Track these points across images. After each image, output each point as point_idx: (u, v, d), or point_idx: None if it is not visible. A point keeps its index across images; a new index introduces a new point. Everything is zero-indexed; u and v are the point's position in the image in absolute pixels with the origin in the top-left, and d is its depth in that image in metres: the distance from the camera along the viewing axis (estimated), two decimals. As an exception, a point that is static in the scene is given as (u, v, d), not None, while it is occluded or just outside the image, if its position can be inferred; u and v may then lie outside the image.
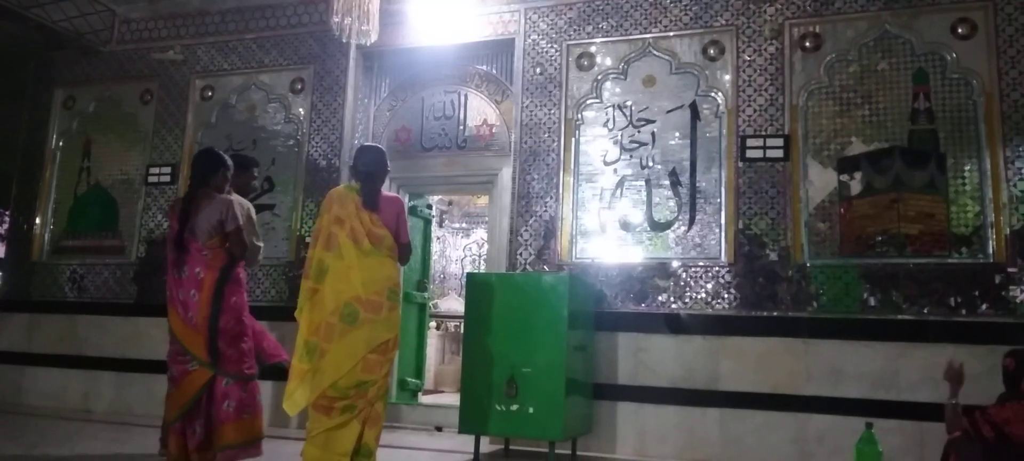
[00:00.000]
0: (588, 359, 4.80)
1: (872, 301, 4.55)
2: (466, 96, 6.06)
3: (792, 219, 4.78)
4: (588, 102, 5.37)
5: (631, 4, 5.37)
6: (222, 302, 3.64)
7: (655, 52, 5.27)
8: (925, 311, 4.44)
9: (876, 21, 4.83)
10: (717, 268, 4.88)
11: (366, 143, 5.21)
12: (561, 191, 5.30)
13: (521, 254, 5.33)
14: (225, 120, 6.32)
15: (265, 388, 4.20)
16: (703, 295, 4.88)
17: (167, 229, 4.58)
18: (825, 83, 4.87)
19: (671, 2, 5.28)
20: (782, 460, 4.56)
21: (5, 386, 6.37)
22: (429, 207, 6.87)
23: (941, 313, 4.41)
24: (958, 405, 3.32)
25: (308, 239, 5.64)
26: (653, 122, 5.20)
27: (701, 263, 4.93)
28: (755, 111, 4.98)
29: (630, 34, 5.34)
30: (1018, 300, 4.31)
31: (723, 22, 5.15)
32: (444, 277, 10.83)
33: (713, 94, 5.10)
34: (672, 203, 5.07)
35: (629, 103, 5.28)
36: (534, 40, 5.57)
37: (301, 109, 6.11)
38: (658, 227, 5.07)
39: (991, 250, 4.41)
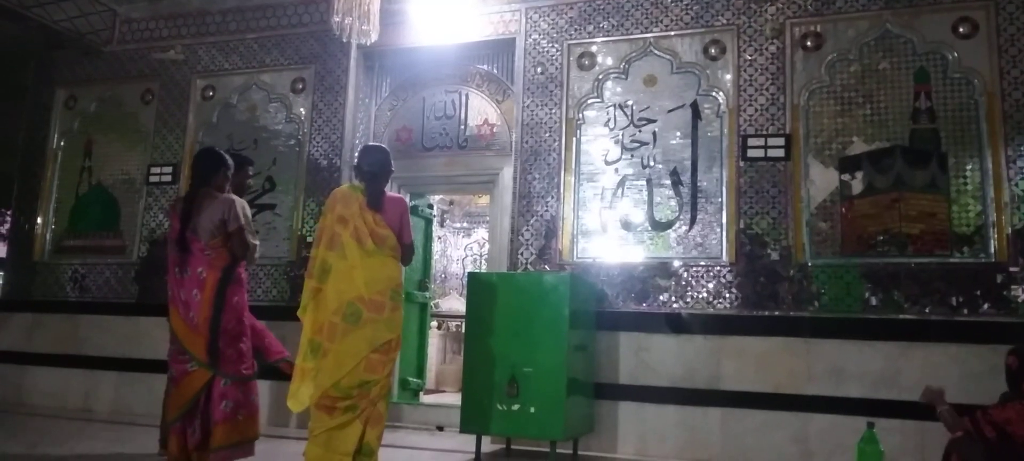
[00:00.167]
0: (589, 359, 4.80)
1: (874, 301, 4.55)
2: (467, 96, 6.06)
3: (793, 218, 4.78)
4: (589, 102, 5.37)
5: (632, 4, 5.37)
6: (224, 302, 3.65)
7: (656, 52, 5.27)
8: (927, 311, 4.44)
9: (877, 20, 4.83)
10: (718, 267, 4.88)
11: (370, 143, 5.21)
12: (562, 191, 5.30)
13: (522, 254, 5.33)
14: (226, 120, 6.32)
15: (264, 388, 4.21)
16: (704, 295, 4.88)
17: (168, 229, 4.58)
18: (826, 82, 4.87)
19: (672, 2, 5.28)
20: (783, 460, 4.55)
21: (6, 386, 6.37)
22: (430, 207, 6.87)
23: (943, 313, 4.41)
24: (951, 410, 3.30)
25: (309, 239, 5.65)
26: (654, 121, 5.19)
27: (702, 263, 4.92)
28: (756, 110, 4.98)
29: (631, 34, 5.34)
30: (1020, 299, 4.31)
31: (724, 22, 5.15)
32: (445, 277, 10.82)
33: (714, 93, 5.09)
34: (673, 203, 5.07)
35: (630, 102, 5.28)
36: (535, 40, 5.57)
37: (302, 109, 6.11)
38: (659, 227, 5.07)
39: (993, 249, 4.40)
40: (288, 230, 5.95)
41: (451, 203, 10.76)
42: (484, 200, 9.53)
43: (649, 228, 5.09)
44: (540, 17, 5.59)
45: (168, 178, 6.36)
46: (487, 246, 8.71)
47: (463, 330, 5.13)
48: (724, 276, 4.86)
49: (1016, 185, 4.42)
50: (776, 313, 4.71)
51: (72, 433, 4.99)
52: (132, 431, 5.11)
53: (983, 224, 4.45)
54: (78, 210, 6.63)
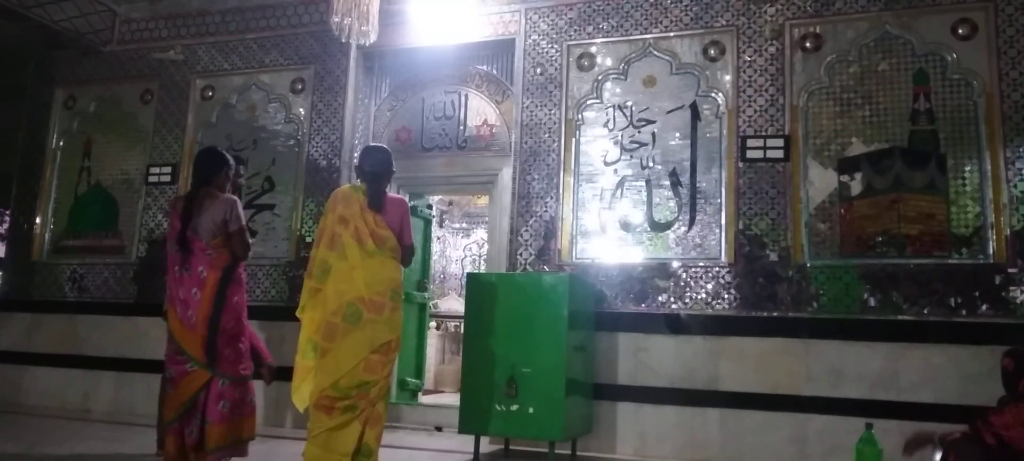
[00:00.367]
0: (588, 359, 4.80)
1: (872, 301, 4.55)
2: (466, 96, 6.07)
3: (792, 219, 4.78)
4: (588, 102, 5.37)
5: (631, 5, 5.38)
6: (224, 301, 3.64)
7: (655, 52, 5.27)
8: (925, 312, 4.45)
9: (876, 22, 4.83)
10: (717, 268, 4.88)
11: (372, 144, 5.21)
12: (561, 191, 5.30)
13: (521, 254, 5.33)
14: (225, 120, 6.32)
15: (261, 389, 4.20)
16: (703, 295, 4.88)
17: (167, 228, 4.58)
18: (825, 84, 4.87)
19: (671, 3, 5.28)
20: (782, 460, 4.56)
21: (5, 386, 6.37)
22: (429, 207, 6.87)
23: (941, 314, 4.41)
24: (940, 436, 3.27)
25: (308, 239, 5.66)
26: (653, 122, 5.20)
27: (701, 263, 4.93)
28: (755, 111, 4.98)
29: (630, 34, 5.35)
30: (1018, 301, 4.31)
31: (723, 23, 5.15)
32: (444, 277, 10.82)
33: (713, 94, 5.10)
34: (672, 203, 5.07)
35: (629, 103, 5.28)
36: (535, 40, 5.58)
37: (301, 109, 6.11)
38: (658, 227, 5.07)
39: (991, 251, 4.41)
40: (287, 230, 5.95)
41: (450, 203, 10.76)
42: (483, 200, 9.53)
43: (648, 229, 5.09)
44: (540, 18, 5.59)
45: (167, 178, 6.36)
46: (486, 246, 8.72)
47: (462, 330, 5.13)
48: (723, 277, 4.86)
49: (1015, 186, 4.43)
50: (775, 314, 4.72)
51: (71, 433, 4.99)
52: (131, 431, 5.11)
53: (982, 225, 4.45)
54: (77, 210, 6.63)
